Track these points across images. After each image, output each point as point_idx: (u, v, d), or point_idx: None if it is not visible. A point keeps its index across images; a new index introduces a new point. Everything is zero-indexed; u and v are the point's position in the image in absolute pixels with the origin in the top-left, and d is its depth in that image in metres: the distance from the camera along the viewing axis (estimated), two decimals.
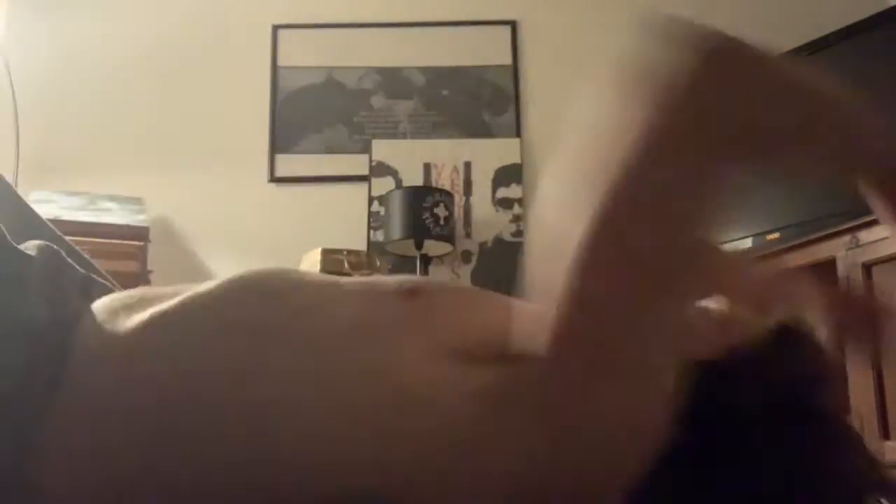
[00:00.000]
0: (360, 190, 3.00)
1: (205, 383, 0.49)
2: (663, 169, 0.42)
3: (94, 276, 0.65)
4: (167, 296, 0.54)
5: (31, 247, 0.58)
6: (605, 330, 0.44)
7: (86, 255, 0.72)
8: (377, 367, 0.48)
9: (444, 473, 0.46)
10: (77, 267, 0.62)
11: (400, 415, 0.46)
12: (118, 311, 0.54)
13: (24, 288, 0.54)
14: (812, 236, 1.98)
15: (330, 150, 3.05)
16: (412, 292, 0.54)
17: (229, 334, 0.51)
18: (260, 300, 0.54)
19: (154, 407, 0.49)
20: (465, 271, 2.95)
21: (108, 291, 0.63)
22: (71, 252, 0.67)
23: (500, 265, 2.93)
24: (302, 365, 0.49)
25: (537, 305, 0.46)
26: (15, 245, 0.57)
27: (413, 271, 2.74)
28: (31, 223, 0.72)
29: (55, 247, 0.60)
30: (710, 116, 0.42)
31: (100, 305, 0.56)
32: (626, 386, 0.45)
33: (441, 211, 2.70)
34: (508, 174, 3.02)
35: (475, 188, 3.01)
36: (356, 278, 0.61)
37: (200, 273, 2.84)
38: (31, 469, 0.48)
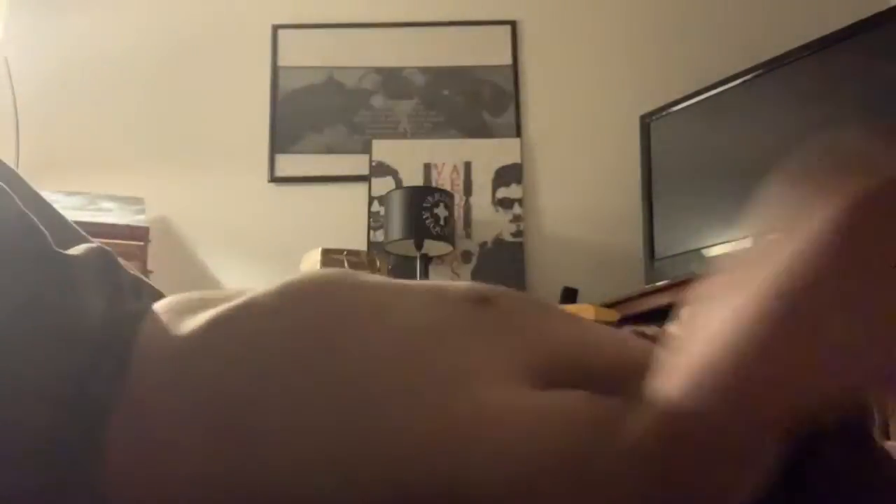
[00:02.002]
0: (360, 190, 2.99)
1: (276, 384, 0.48)
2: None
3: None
4: (228, 298, 0.54)
5: (80, 249, 0.57)
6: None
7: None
8: (453, 376, 0.47)
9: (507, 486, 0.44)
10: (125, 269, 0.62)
11: (477, 429, 0.45)
12: (182, 312, 0.53)
13: (81, 290, 0.52)
14: None
15: (330, 150, 3.05)
16: (484, 300, 0.53)
17: (298, 335, 0.50)
18: (326, 302, 0.53)
19: (222, 406, 0.48)
20: (465, 271, 2.95)
21: (155, 292, 0.63)
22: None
23: (500, 265, 2.93)
24: (376, 364, 0.48)
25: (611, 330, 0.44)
26: (62, 251, 0.55)
27: (413, 271, 2.73)
28: (66, 228, 0.71)
29: (105, 247, 0.59)
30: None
31: (162, 306, 0.55)
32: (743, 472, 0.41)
33: (441, 211, 2.70)
34: (508, 174, 3.02)
35: (475, 188, 3.01)
36: (423, 282, 0.61)
37: (201, 273, 2.84)
38: (96, 472, 0.47)
